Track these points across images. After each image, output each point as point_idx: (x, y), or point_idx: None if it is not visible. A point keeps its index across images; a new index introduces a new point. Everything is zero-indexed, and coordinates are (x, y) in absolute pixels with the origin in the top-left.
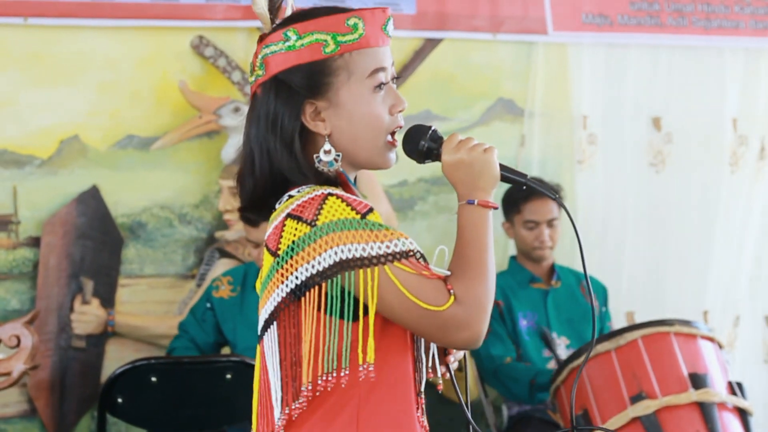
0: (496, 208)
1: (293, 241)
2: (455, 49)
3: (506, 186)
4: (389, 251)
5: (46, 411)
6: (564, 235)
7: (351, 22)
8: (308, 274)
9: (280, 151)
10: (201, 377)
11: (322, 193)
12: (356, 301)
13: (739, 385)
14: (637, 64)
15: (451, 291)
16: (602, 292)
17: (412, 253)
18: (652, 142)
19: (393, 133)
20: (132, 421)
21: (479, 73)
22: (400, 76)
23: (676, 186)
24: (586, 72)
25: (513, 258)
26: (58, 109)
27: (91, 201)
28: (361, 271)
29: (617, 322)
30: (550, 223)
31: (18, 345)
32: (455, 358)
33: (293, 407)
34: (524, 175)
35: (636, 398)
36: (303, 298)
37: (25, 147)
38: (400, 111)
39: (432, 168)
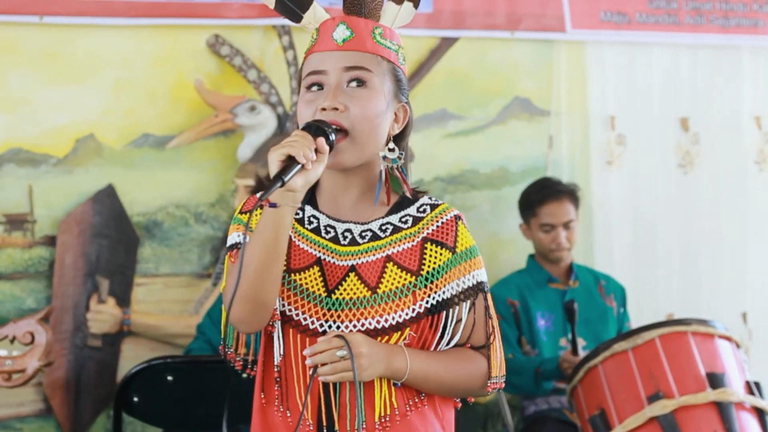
0: (264, 204)
1: None
2: (471, 48)
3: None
4: (228, 244)
5: (62, 410)
6: (581, 234)
7: (314, 33)
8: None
9: None
10: (217, 376)
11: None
12: None
13: (757, 384)
14: (659, 63)
15: None
16: (620, 293)
17: (236, 246)
18: (680, 142)
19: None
20: (148, 420)
21: (495, 72)
22: (362, 81)
23: (705, 186)
24: (607, 71)
25: (531, 257)
26: (73, 108)
27: (107, 200)
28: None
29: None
30: (566, 226)
31: (32, 342)
32: (311, 361)
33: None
34: (278, 181)
35: (653, 398)
36: None
37: (40, 146)
38: (323, 109)
39: (448, 167)
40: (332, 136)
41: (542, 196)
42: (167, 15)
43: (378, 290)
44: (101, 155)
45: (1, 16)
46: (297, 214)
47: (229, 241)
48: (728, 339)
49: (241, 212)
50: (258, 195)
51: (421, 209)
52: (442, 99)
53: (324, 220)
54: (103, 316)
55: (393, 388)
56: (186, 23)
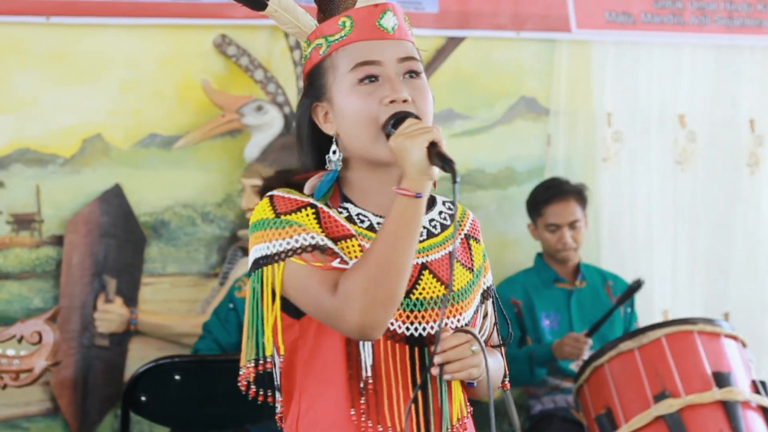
0: (410, 195)
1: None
2: (477, 48)
3: (530, 187)
4: (289, 247)
5: (69, 409)
6: (588, 232)
7: (341, 21)
8: (246, 271)
9: (299, 152)
10: (224, 376)
11: (267, 195)
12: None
13: (763, 383)
14: (661, 62)
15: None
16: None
17: (315, 247)
18: (678, 140)
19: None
20: (155, 419)
21: (501, 72)
22: (416, 72)
23: (701, 184)
24: (610, 70)
25: (539, 255)
26: (80, 108)
27: (114, 200)
28: (265, 268)
29: (653, 321)
30: (572, 225)
31: (40, 341)
32: (439, 358)
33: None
34: (451, 162)
35: (659, 397)
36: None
37: (47, 146)
38: (392, 102)
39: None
40: None
41: (548, 196)
42: (174, 15)
43: (454, 288)
44: (108, 155)
45: (8, 16)
46: (341, 212)
47: (290, 244)
48: (734, 338)
49: (282, 213)
50: (277, 192)
51: (447, 206)
52: (448, 99)
53: (373, 218)
54: (110, 315)
55: (464, 388)
56: (193, 23)
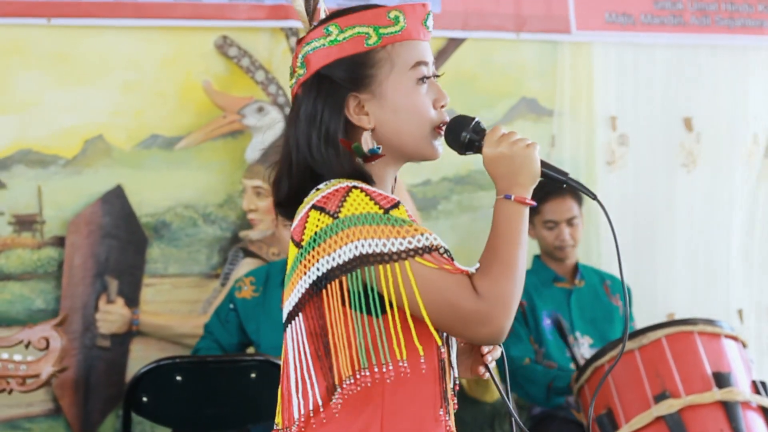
0: (533, 205)
1: (315, 233)
2: (478, 49)
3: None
4: (411, 247)
5: (71, 410)
6: (587, 234)
7: (392, 15)
8: (329, 267)
9: (322, 145)
10: (226, 376)
11: (347, 186)
12: (381, 296)
13: (763, 384)
14: (663, 64)
15: (476, 286)
16: (627, 294)
17: (434, 249)
18: (684, 142)
19: (438, 126)
20: (157, 420)
21: (502, 73)
22: (440, 75)
23: (707, 185)
24: (611, 71)
25: (537, 257)
26: (82, 109)
27: (116, 200)
28: (381, 266)
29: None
30: (569, 222)
31: (47, 347)
32: (492, 357)
33: (334, 401)
34: (565, 173)
35: (660, 397)
36: (324, 291)
37: (49, 147)
38: (443, 106)
39: (455, 167)
40: None
41: (544, 194)
42: (175, 16)
43: None
44: (110, 156)
45: (10, 18)
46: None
47: (423, 242)
48: (734, 339)
49: (388, 209)
50: (362, 185)
51: None
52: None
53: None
54: (112, 316)
55: None
56: (194, 25)
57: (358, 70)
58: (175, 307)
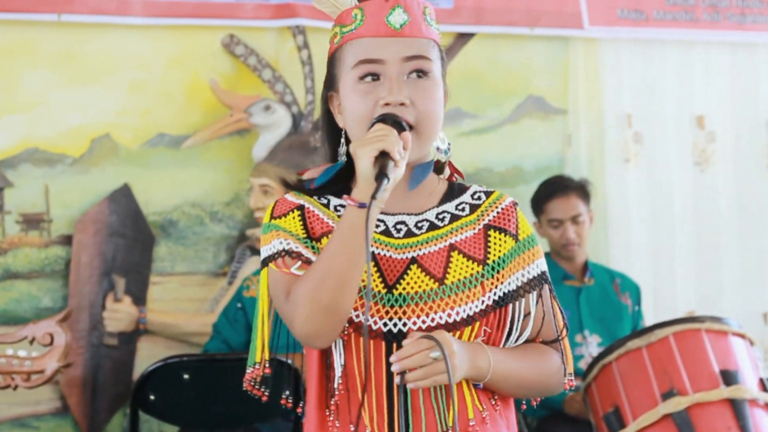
0: (353, 205)
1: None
2: (486, 46)
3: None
4: (269, 253)
5: (79, 408)
6: (596, 232)
7: (354, 12)
8: (254, 269)
9: (321, 141)
10: (233, 374)
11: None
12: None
13: None
14: (674, 61)
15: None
16: (635, 291)
17: (283, 253)
18: (697, 141)
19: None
20: (164, 418)
21: (509, 71)
22: (424, 72)
23: (721, 184)
24: (624, 68)
25: (547, 255)
26: (89, 108)
27: (123, 199)
28: (262, 272)
29: None
30: (574, 220)
31: (51, 343)
32: (395, 363)
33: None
34: (381, 177)
35: (667, 395)
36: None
37: (56, 146)
38: (386, 104)
39: (463, 166)
40: (407, 131)
41: (549, 192)
42: (182, 15)
43: (446, 281)
44: (117, 155)
45: (20, 14)
46: (337, 210)
47: (270, 250)
48: (742, 336)
49: (274, 217)
50: (287, 195)
51: (476, 196)
52: (456, 97)
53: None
54: (119, 314)
55: (474, 389)
56: (201, 23)
57: (329, 69)
58: (182, 306)
